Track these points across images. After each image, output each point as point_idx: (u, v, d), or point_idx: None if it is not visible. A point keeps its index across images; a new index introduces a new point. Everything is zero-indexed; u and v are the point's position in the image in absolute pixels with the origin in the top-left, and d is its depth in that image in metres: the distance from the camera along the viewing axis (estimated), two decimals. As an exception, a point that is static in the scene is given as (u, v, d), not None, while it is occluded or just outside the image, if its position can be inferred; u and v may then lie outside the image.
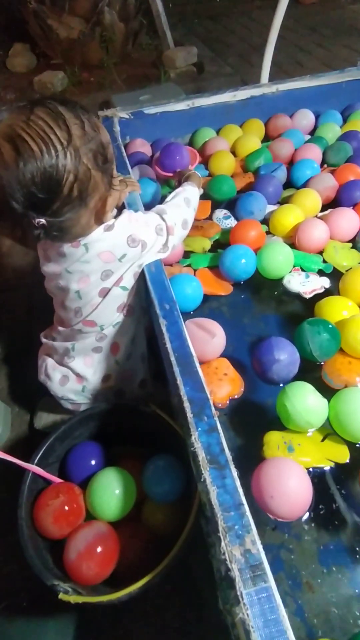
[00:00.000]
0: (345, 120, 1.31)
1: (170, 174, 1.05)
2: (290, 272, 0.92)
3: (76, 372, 0.82)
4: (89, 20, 2.26)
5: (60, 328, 0.81)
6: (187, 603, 0.73)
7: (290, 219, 0.97)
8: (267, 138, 1.30)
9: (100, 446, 0.77)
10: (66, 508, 0.67)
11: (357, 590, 0.55)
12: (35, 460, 0.70)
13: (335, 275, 0.90)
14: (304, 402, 0.64)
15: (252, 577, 0.41)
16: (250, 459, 0.64)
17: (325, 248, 0.96)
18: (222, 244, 1.02)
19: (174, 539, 0.61)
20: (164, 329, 0.63)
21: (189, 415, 0.53)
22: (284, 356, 0.72)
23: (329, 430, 0.67)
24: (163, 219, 0.76)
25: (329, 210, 1.02)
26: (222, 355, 0.78)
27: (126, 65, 2.46)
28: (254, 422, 0.71)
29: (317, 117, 1.31)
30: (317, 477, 0.63)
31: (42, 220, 0.60)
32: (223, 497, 0.46)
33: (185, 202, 0.83)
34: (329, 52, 2.52)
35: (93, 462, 0.75)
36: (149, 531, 0.71)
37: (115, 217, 0.71)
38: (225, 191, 1.11)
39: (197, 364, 0.59)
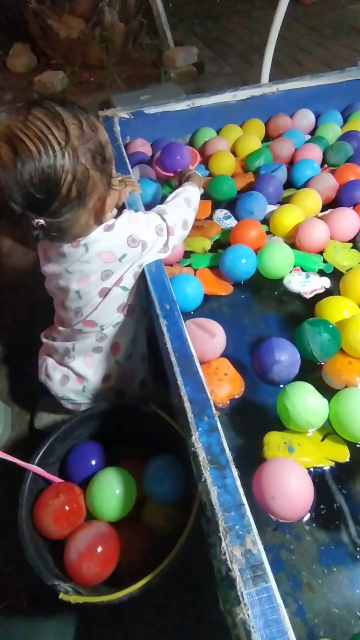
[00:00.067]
0: (345, 120, 1.31)
1: (171, 174, 1.05)
2: (291, 272, 0.92)
3: (76, 372, 0.82)
4: (89, 20, 2.26)
5: (60, 328, 0.81)
6: (187, 603, 0.73)
7: (290, 219, 0.97)
8: (267, 138, 1.30)
9: (101, 446, 0.77)
10: (66, 508, 0.67)
11: (357, 591, 0.55)
12: (36, 460, 0.70)
13: (336, 275, 0.90)
14: (305, 402, 0.64)
15: (253, 578, 0.41)
16: (250, 459, 0.64)
17: (326, 248, 0.96)
18: (222, 244, 1.02)
19: (174, 539, 0.61)
20: (164, 329, 0.63)
21: (190, 415, 0.53)
22: (285, 357, 0.72)
23: (329, 430, 0.67)
24: (163, 219, 0.76)
25: (329, 210, 1.02)
26: (222, 355, 0.78)
27: (126, 65, 2.46)
28: (254, 422, 0.71)
29: (317, 117, 1.31)
30: (318, 477, 0.63)
31: (41, 221, 0.59)
32: (224, 497, 0.46)
33: (185, 202, 0.83)
34: (329, 52, 2.52)
35: (93, 462, 0.75)
36: (149, 531, 0.71)
37: (116, 217, 0.71)
38: (225, 191, 1.11)
39: (198, 364, 0.59)
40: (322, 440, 0.66)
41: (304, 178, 1.11)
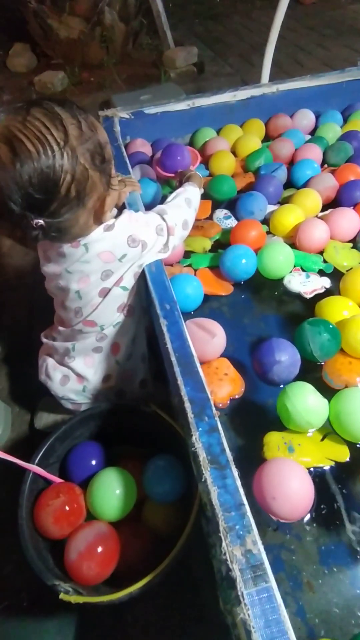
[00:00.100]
0: (345, 120, 1.31)
1: (172, 175, 1.05)
2: (291, 272, 0.92)
3: (77, 372, 0.82)
4: (89, 20, 2.26)
5: (60, 328, 0.81)
6: (187, 603, 0.73)
7: (290, 219, 0.97)
8: (267, 138, 1.30)
9: (101, 446, 0.77)
10: (67, 508, 0.67)
11: (358, 591, 0.56)
12: (36, 460, 0.70)
13: (336, 275, 0.90)
14: (305, 402, 0.64)
15: (253, 578, 0.41)
16: (250, 459, 0.64)
17: (326, 248, 0.96)
18: (222, 244, 1.02)
19: (174, 539, 0.61)
20: (164, 329, 0.63)
21: (190, 415, 0.53)
22: (285, 357, 0.72)
23: (329, 430, 0.67)
24: (164, 219, 0.76)
25: (330, 210, 1.02)
26: (222, 355, 0.78)
27: (126, 65, 2.46)
28: (254, 422, 0.71)
29: (317, 117, 1.31)
30: (318, 477, 0.63)
31: (40, 221, 0.59)
32: (224, 497, 0.46)
33: (186, 202, 0.83)
34: (329, 52, 2.52)
35: (93, 462, 0.75)
36: (150, 531, 0.71)
37: (116, 217, 0.71)
38: (225, 191, 1.11)
39: (198, 364, 0.59)
40: (322, 440, 0.66)
41: (304, 178, 1.11)
